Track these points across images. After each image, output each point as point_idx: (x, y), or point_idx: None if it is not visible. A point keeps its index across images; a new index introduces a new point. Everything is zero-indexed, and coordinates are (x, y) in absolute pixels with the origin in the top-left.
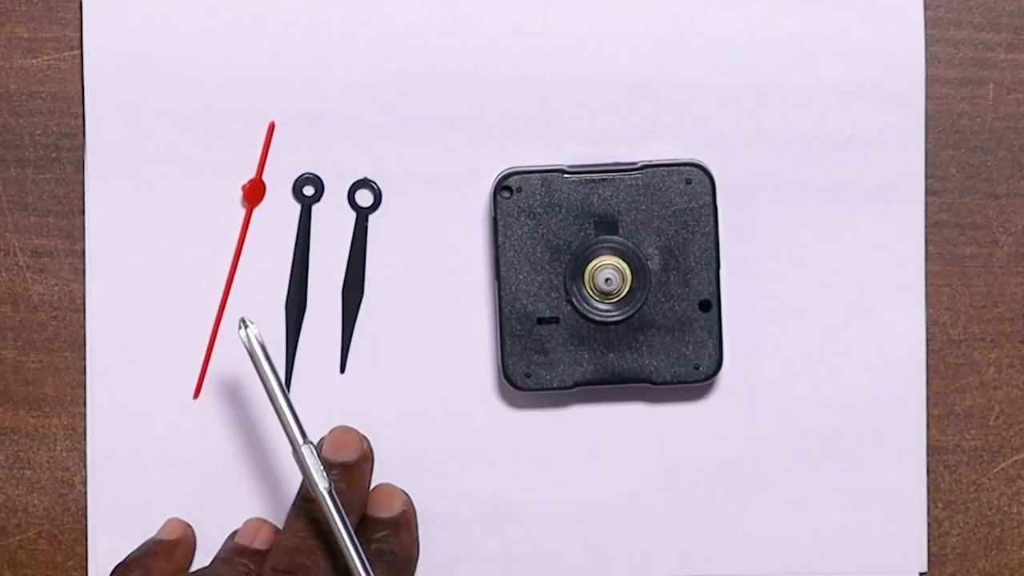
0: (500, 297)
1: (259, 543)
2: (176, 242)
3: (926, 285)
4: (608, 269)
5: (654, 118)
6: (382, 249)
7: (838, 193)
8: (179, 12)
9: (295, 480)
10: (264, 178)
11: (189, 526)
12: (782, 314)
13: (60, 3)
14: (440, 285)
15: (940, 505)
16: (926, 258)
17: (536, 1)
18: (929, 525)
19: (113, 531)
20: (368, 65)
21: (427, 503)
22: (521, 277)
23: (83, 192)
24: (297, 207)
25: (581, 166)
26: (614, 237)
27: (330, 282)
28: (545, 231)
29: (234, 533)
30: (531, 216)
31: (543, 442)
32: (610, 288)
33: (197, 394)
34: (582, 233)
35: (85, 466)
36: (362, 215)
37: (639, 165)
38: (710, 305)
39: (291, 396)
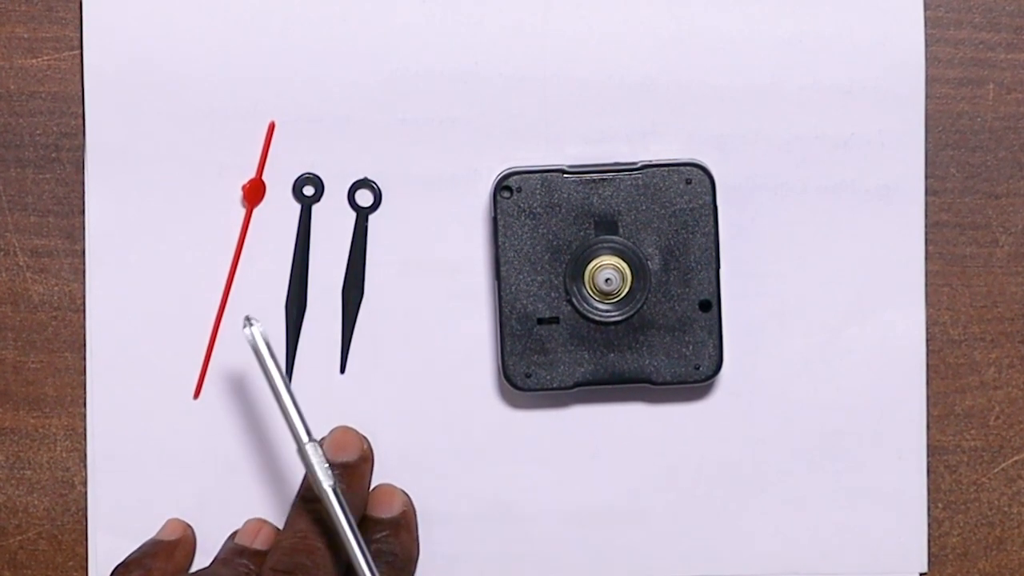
0: (500, 297)
1: (259, 543)
2: (176, 242)
3: (926, 285)
4: (608, 269)
5: (654, 118)
6: (382, 249)
7: (838, 193)
8: (179, 12)
9: (295, 480)
10: (264, 178)
11: (189, 526)
12: (782, 314)
13: (60, 3)
14: (440, 285)
15: (940, 505)
16: (926, 258)
17: (536, 1)
18: (929, 525)
19: (113, 531)
20: (368, 65)
21: (427, 503)
22: (521, 277)
23: (83, 192)
24: (297, 207)
25: (581, 166)
26: (614, 237)
27: (330, 282)
28: (545, 231)
29: (234, 533)
30: (531, 216)
31: (543, 442)
32: (610, 288)
33: (197, 394)
34: (582, 233)
35: (85, 466)
36: (362, 215)
37: (639, 165)
38: (710, 305)
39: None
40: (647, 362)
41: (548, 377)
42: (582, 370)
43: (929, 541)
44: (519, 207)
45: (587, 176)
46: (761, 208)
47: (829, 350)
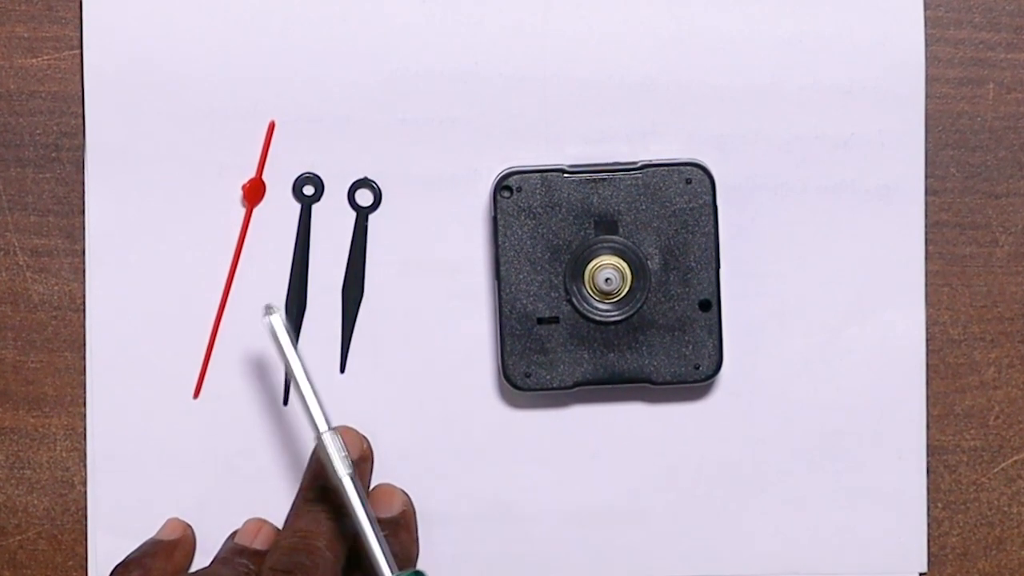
0: (500, 297)
1: (259, 543)
2: (176, 242)
3: (926, 285)
4: (608, 269)
5: (654, 118)
6: (382, 249)
7: (838, 193)
8: (179, 12)
9: (295, 480)
10: (264, 178)
11: (189, 526)
12: (782, 314)
13: (60, 3)
14: (440, 285)
15: (940, 505)
16: (926, 258)
17: (536, 1)
18: (929, 525)
19: (113, 531)
20: (368, 65)
21: (427, 503)
22: (521, 277)
23: (83, 192)
24: (297, 207)
25: (581, 166)
26: (614, 237)
27: (330, 282)
28: (545, 231)
29: (234, 533)
30: (531, 216)
31: (543, 442)
32: (610, 288)
33: (197, 394)
34: (582, 233)
35: (85, 466)
36: (362, 215)
37: (639, 165)
38: (710, 305)
39: (290, 396)
40: (647, 362)
41: (548, 377)
42: (582, 370)
43: (929, 541)
44: (519, 207)
45: (587, 176)
46: (761, 208)
47: (829, 350)
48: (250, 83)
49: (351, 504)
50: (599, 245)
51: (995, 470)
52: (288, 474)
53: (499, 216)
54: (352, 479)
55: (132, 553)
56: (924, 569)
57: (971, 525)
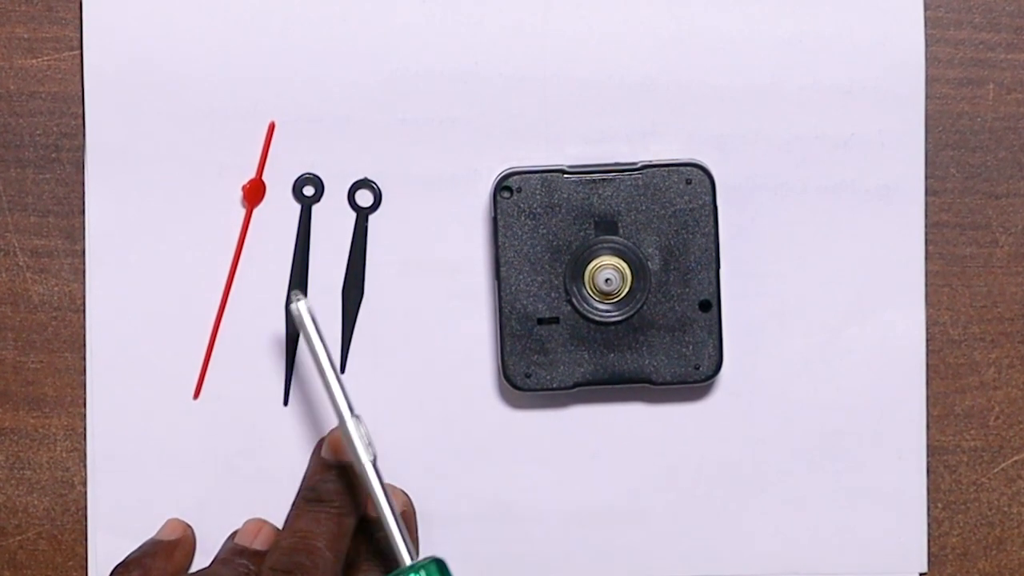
0: (500, 297)
1: (259, 544)
2: (176, 242)
3: (926, 285)
4: (608, 269)
5: (654, 118)
6: (382, 249)
7: (838, 193)
8: (179, 12)
9: (295, 480)
10: (264, 178)
11: (189, 526)
12: (782, 314)
13: (60, 3)
14: (440, 285)
15: (940, 505)
16: (926, 258)
17: (536, 1)
18: (929, 525)
19: (113, 531)
20: (368, 65)
21: (427, 503)
22: (521, 277)
23: (83, 192)
24: (297, 207)
25: (581, 166)
26: (614, 237)
27: (330, 282)
28: (545, 231)
29: (234, 534)
30: (531, 216)
31: (543, 442)
32: (610, 288)
33: (197, 394)
34: (582, 233)
35: (85, 466)
36: (362, 215)
37: (639, 165)
38: (710, 305)
39: (290, 396)
40: (647, 362)
41: (548, 377)
42: (582, 370)
43: (929, 541)
44: (519, 207)
45: (587, 176)
46: (761, 208)
47: (829, 350)
48: (250, 83)
49: (373, 491)
50: (599, 245)
51: (995, 470)
52: (288, 474)
53: (499, 216)
54: (374, 465)
55: (132, 553)
56: (924, 569)
57: (971, 525)
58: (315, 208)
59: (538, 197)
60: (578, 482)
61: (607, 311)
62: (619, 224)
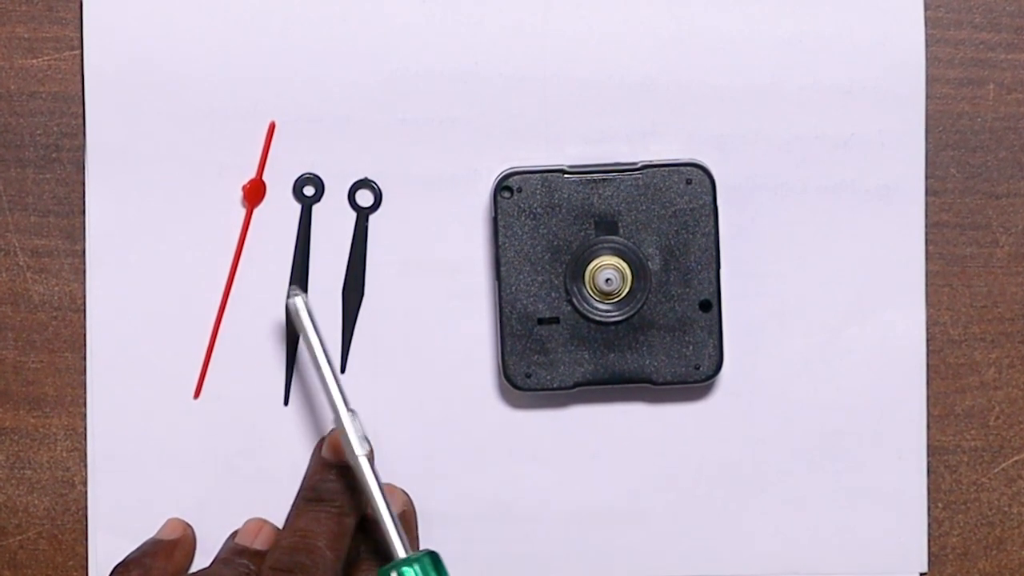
0: (500, 297)
1: (259, 543)
2: (176, 242)
3: (926, 285)
4: (608, 269)
5: (654, 118)
6: (382, 249)
7: (838, 193)
8: (179, 12)
9: (295, 480)
10: (264, 178)
11: (189, 526)
12: (782, 314)
13: (60, 3)
14: (440, 285)
15: (940, 505)
16: (926, 258)
17: (536, 1)
18: (929, 525)
19: (113, 531)
20: (368, 65)
21: (427, 503)
22: (521, 277)
23: (83, 192)
24: (297, 207)
25: (581, 166)
26: (614, 237)
27: (330, 282)
28: (545, 231)
29: (234, 533)
30: (531, 216)
31: (543, 442)
32: (610, 288)
33: (197, 394)
34: (582, 233)
35: (85, 466)
36: (362, 215)
37: (639, 165)
38: (710, 305)
39: (291, 396)
40: (647, 362)
41: (548, 377)
42: (582, 370)
43: (929, 541)
44: (519, 207)
45: (587, 176)
46: (761, 208)
47: (829, 350)
48: (250, 83)
49: (366, 485)
50: (599, 245)
51: (995, 470)
52: (288, 474)
53: (499, 216)
54: (368, 460)
55: (132, 553)
56: (924, 569)
57: (971, 525)
58: (315, 208)
59: (538, 197)
60: (578, 482)
61: (607, 311)
62: (619, 224)
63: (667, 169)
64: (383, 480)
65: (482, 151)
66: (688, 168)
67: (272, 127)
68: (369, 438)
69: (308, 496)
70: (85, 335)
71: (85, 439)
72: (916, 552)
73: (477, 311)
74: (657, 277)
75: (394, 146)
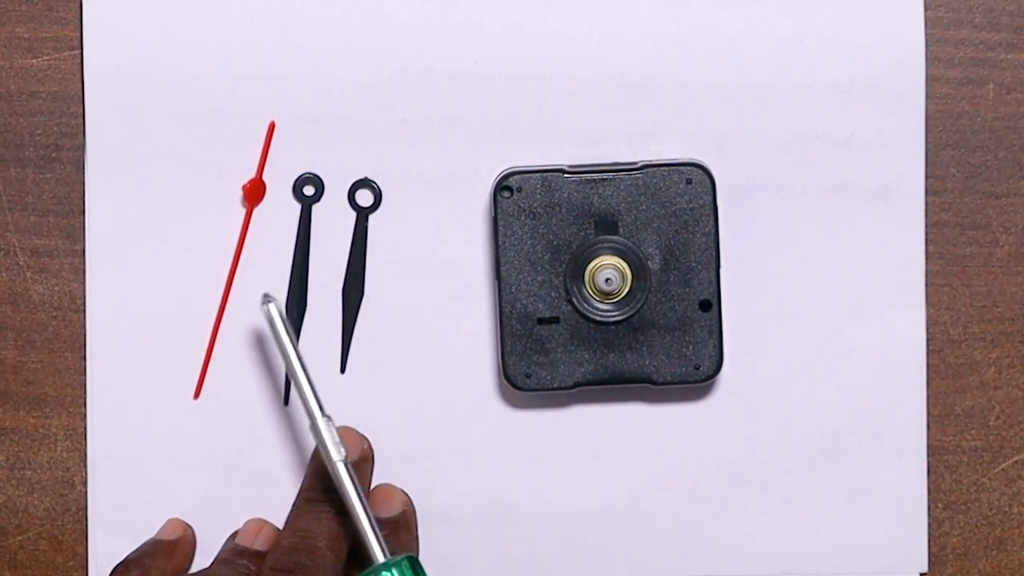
0: (500, 297)
1: (259, 544)
2: (176, 242)
3: (926, 285)
4: (608, 269)
5: (654, 118)
6: (382, 249)
7: (838, 193)
8: (179, 12)
9: (295, 480)
10: (264, 178)
11: (189, 526)
12: (782, 314)
13: (60, 3)
14: (440, 285)
15: (940, 505)
16: (926, 258)
17: (536, 1)
18: (929, 525)
19: (113, 531)
20: (368, 65)
21: (427, 503)
22: (521, 277)
23: (83, 192)
24: (297, 207)
25: (581, 166)
26: (614, 237)
27: (330, 282)
28: (545, 231)
29: (234, 534)
30: (531, 216)
31: (543, 442)
32: (610, 288)
33: (197, 394)
34: (582, 233)
35: (85, 466)
36: (362, 215)
37: (639, 165)
38: (710, 305)
39: (291, 396)
40: (647, 362)
41: (548, 377)
42: (582, 370)
43: (929, 541)
44: (519, 207)
45: (587, 176)
46: (761, 208)
47: (829, 350)
48: (250, 83)
49: (344, 490)
50: (599, 245)
51: (995, 470)
52: (288, 474)
53: (499, 216)
54: (345, 465)
55: (132, 553)
56: (924, 569)
57: (971, 525)
58: (315, 208)
59: (538, 197)
60: (578, 482)
61: (607, 311)
62: (619, 224)
63: (667, 169)
64: (383, 479)
65: (482, 151)
66: (688, 168)
67: (272, 127)
68: (368, 439)
69: (309, 496)
70: (85, 335)
71: (85, 439)
72: (916, 552)
73: (477, 311)
74: (657, 277)
75: (394, 146)
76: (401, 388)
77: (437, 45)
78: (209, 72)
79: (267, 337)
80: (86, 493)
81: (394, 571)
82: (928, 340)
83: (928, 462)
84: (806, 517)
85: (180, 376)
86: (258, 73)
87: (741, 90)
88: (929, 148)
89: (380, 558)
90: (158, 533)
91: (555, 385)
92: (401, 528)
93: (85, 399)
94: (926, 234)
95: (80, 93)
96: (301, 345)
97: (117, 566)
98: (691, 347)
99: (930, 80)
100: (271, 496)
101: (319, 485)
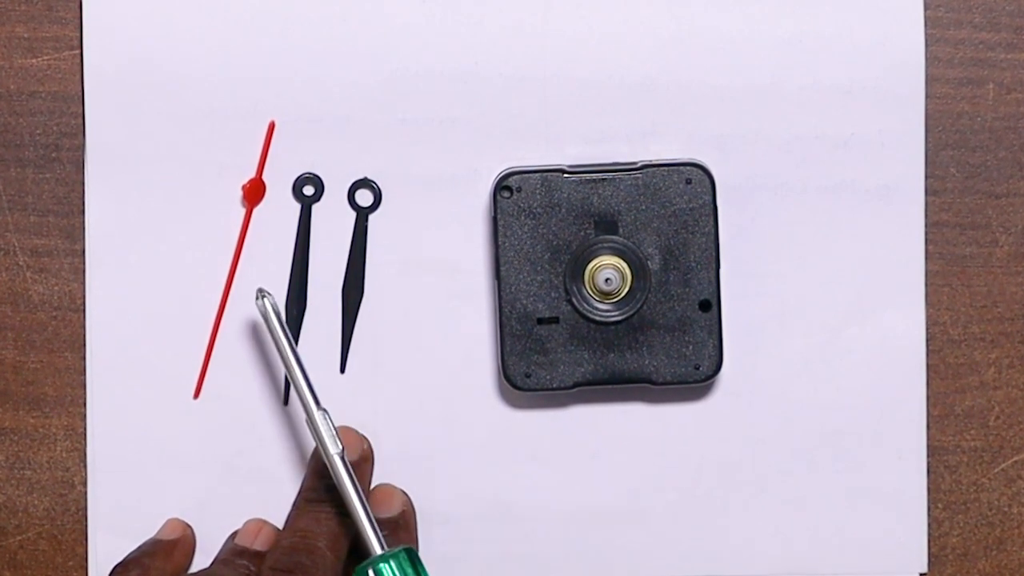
0: (500, 297)
1: (259, 544)
2: (176, 242)
3: (926, 285)
4: (608, 269)
5: (654, 118)
6: (382, 249)
7: (838, 193)
8: (179, 12)
9: (295, 480)
10: (264, 178)
11: (189, 526)
12: (782, 314)
13: (60, 3)
14: (440, 285)
15: (940, 505)
16: (926, 258)
17: (536, 1)
18: (929, 525)
19: (113, 531)
20: (368, 65)
21: (427, 503)
22: (521, 277)
23: (83, 192)
24: (297, 207)
25: (581, 166)
26: (614, 237)
27: (330, 282)
28: (545, 231)
29: (234, 534)
30: (531, 216)
31: (543, 442)
32: (610, 288)
33: (197, 394)
34: (582, 233)
35: (85, 466)
36: (362, 215)
37: (639, 165)
38: (710, 305)
39: (290, 396)
40: (647, 362)
41: (548, 377)
42: (582, 370)
43: (929, 541)
44: (519, 207)
45: (587, 176)
46: (761, 208)
47: (829, 350)
48: (250, 83)
49: (341, 483)
50: (599, 245)
51: (995, 470)
52: (288, 474)
53: (499, 216)
54: (341, 458)
55: (132, 553)
56: (924, 569)
57: (971, 525)
58: (315, 208)
59: (538, 197)
60: (578, 482)
61: (607, 311)
62: (619, 224)
63: (667, 169)
64: (383, 479)
65: (482, 151)
66: (688, 168)
67: (272, 127)
68: (368, 439)
69: (308, 496)
70: (85, 335)
71: (85, 439)
72: (916, 552)
73: (477, 311)
74: (657, 277)
75: (394, 146)
76: (401, 388)
77: (437, 45)
78: (209, 72)
79: (266, 336)
80: (86, 493)
81: (392, 563)
82: (928, 340)
83: (928, 462)
84: (806, 517)
85: (180, 376)
86: (258, 73)
87: (741, 90)
88: (929, 148)
89: (378, 550)
90: (158, 533)
91: (555, 385)
92: (401, 528)
93: (85, 399)
94: (926, 234)
95: (80, 93)
96: (301, 345)
97: (117, 566)
98: (691, 347)
99: (930, 80)
100: (271, 496)
101: (319, 485)
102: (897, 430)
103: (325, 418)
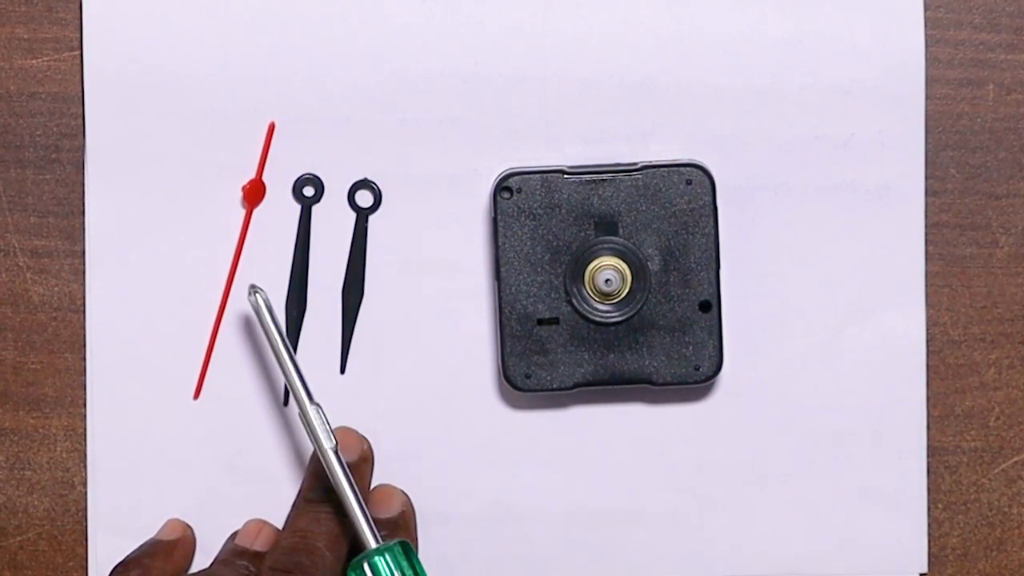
0: (500, 297)
1: (259, 545)
2: (176, 242)
3: (926, 285)
4: (608, 270)
5: (654, 118)
6: (382, 249)
7: (838, 193)
8: (179, 12)
9: (295, 480)
10: (264, 178)
11: (189, 526)
12: (782, 314)
13: (60, 3)
14: (440, 285)
15: (940, 506)
16: (926, 258)
17: (536, 1)
18: (929, 526)
19: (113, 531)
20: (368, 65)
21: (427, 503)
22: (521, 277)
23: (83, 192)
24: (297, 207)
25: (581, 166)
26: (614, 238)
27: (330, 282)
28: (545, 231)
29: (234, 534)
30: (531, 216)
31: (543, 443)
32: (610, 289)
33: (197, 394)
34: (582, 234)
35: (85, 466)
36: (362, 215)
37: (639, 165)
38: (710, 305)
39: (290, 396)
40: (647, 363)
41: (548, 378)
42: (582, 371)
43: (929, 541)
44: (519, 207)
45: (587, 176)
46: (761, 208)
47: (829, 350)
48: (250, 83)
49: (335, 477)
50: (599, 246)
51: (995, 471)
52: (288, 474)
53: (499, 217)
54: (335, 452)
55: (132, 553)
56: (924, 570)
57: (971, 526)
58: (315, 208)
59: (538, 197)
60: (578, 482)
61: (607, 311)
62: (619, 224)
63: (667, 169)
64: (383, 480)
65: (482, 151)
66: (688, 168)
67: (272, 127)
68: (368, 440)
69: (308, 496)
70: (85, 335)
71: (85, 439)
72: (916, 552)
73: (477, 311)
74: (657, 278)
75: (394, 146)
76: (401, 388)
77: (437, 45)
78: (209, 72)
79: (263, 334)
80: (86, 493)
81: (387, 555)
82: (928, 341)
83: (928, 462)
84: (806, 517)
85: (180, 376)
86: (258, 73)
87: (741, 90)
88: (929, 148)
89: (372, 543)
90: (158, 533)
91: (555, 386)
92: (400, 528)
93: (85, 399)
94: (926, 234)
95: (80, 94)
96: (301, 346)
97: (117, 566)
98: (691, 348)
99: (930, 80)
100: (271, 496)
101: (319, 485)
102: (897, 430)
103: (318, 412)
